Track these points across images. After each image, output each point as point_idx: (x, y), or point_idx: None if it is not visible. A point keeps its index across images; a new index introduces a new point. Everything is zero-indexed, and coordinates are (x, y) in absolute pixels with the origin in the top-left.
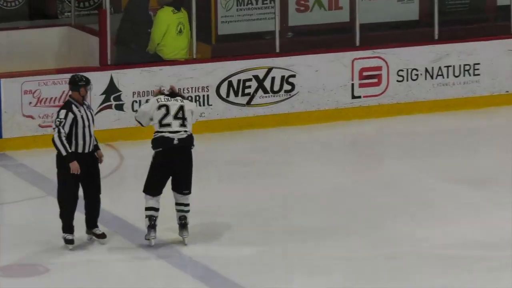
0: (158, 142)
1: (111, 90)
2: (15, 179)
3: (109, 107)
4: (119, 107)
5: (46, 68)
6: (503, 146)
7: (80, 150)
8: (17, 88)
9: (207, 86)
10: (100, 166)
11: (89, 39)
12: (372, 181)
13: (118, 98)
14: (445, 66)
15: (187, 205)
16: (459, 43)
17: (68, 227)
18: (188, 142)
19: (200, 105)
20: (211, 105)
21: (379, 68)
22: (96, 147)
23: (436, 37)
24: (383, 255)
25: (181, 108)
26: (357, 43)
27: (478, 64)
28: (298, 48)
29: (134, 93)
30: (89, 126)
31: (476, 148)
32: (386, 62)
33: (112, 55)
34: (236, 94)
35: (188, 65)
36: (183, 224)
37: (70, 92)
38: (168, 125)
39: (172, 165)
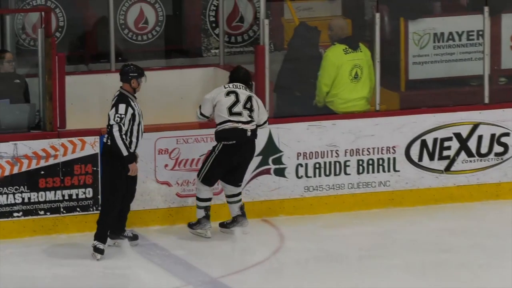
0: (231, 134)
1: (270, 150)
2: (146, 263)
3: (267, 172)
4: (280, 173)
5: (187, 122)
6: None
7: (132, 149)
8: (149, 146)
9: (394, 147)
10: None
11: None
12: None
13: (278, 161)
14: None
15: (241, 193)
16: None
17: (104, 236)
18: (256, 134)
19: (384, 171)
20: (398, 171)
21: None
22: None
23: None
24: None
25: (249, 98)
26: None
27: None
28: None
29: (299, 154)
30: (141, 123)
31: None
32: None
33: (272, 105)
34: (431, 158)
35: (369, 119)
36: (244, 213)
37: (121, 84)
38: (239, 114)
39: (238, 159)
